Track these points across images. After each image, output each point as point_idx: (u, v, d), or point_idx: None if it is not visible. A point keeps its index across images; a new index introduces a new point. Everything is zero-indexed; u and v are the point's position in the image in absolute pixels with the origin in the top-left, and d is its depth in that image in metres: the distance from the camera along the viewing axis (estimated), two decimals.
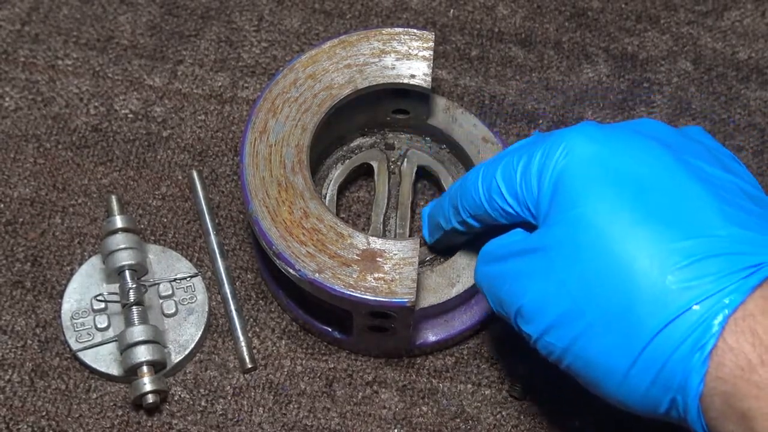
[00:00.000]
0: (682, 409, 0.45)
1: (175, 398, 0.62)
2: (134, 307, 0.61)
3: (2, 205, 0.67)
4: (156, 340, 0.60)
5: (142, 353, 0.60)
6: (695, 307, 0.44)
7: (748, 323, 0.43)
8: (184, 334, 0.63)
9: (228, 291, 0.64)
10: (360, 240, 0.57)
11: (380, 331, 0.60)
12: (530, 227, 0.51)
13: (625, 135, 0.49)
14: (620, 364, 0.46)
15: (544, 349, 0.49)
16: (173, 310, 0.63)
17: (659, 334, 0.44)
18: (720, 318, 0.43)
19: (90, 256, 0.65)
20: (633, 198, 0.46)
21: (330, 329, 0.62)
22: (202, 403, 0.62)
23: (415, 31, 0.63)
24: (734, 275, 0.44)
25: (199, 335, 0.63)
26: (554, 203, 0.48)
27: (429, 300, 0.60)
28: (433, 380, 0.63)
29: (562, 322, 0.48)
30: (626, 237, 0.45)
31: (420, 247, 0.57)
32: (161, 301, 0.63)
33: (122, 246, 0.62)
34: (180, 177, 0.69)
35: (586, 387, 0.49)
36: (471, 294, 0.62)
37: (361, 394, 0.62)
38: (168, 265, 0.65)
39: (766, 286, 0.44)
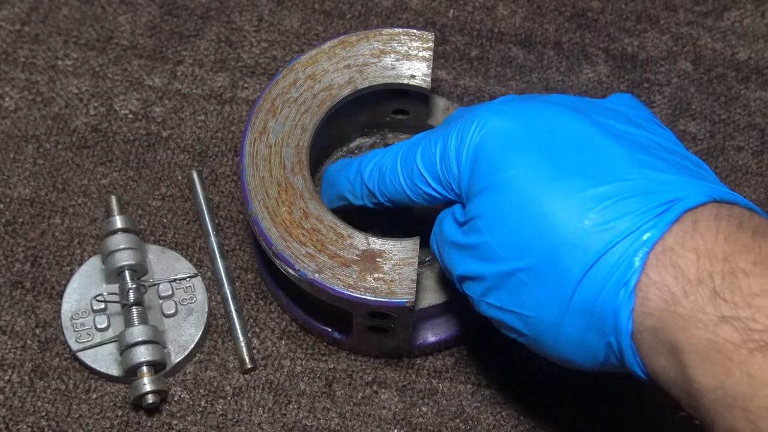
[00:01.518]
0: (617, 351, 0.46)
1: (175, 398, 0.62)
2: (134, 307, 0.61)
3: (2, 205, 0.67)
4: (156, 341, 0.60)
5: (142, 353, 0.60)
6: (615, 248, 0.45)
7: (669, 257, 0.44)
8: (184, 335, 0.63)
9: (228, 291, 0.64)
10: (360, 240, 0.57)
11: (380, 332, 0.60)
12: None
13: (534, 104, 0.51)
14: (553, 315, 0.47)
15: (486, 311, 0.51)
16: (173, 311, 0.63)
17: (584, 278, 0.46)
18: (641, 254, 0.44)
19: (90, 257, 0.65)
20: (546, 159, 0.48)
21: (330, 329, 0.62)
22: (202, 404, 0.62)
23: (414, 31, 0.63)
24: (650, 212, 0.45)
25: (199, 335, 0.63)
26: (473, 178, 0.51)
27: (429, 300, 0.60)
28: (433, 380, 0.63)
29: (497, 284, 0.49)
30: (543, 193, 0.47)
31: (420, 248, 0.57)
32: (161, 301, 0.63)
33: (122, 246, 0.62)
34: (180, 177, 0.69)
35: (532, 349, 0.51)
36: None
37: (360, 394, 0.62)
38: (168, 266, 0.65)
39: (684, 220, 0.45)
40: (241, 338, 0.63)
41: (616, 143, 0.48)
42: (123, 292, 0.62)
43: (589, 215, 0.46)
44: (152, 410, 0.61)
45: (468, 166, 0.51)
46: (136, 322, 0.61)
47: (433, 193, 0.54)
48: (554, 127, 0.49)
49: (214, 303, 0.65)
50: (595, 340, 0.47)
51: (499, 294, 0.50)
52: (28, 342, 0.63)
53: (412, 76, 0.62)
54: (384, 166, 0.56)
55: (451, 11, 0.75)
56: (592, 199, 0.46)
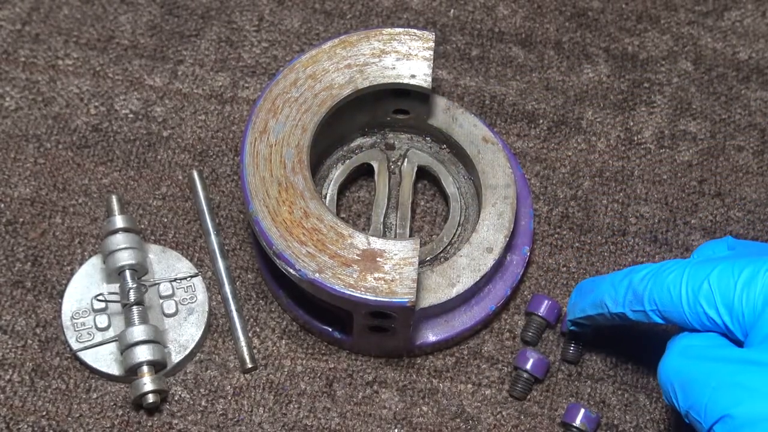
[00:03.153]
0: None
1: (176, 398, 0.62)
2: (134, 307, 0.61)
3: (2, 205, 0.67)
4: (156, 340, 0.60)
5: (143, 353, 0.60)
6: None
7: None
8: (185, 334, 0.63)
9: (228, 291, 0.64)
10: (360, 240, 0.57)
11: (380, 331, 0.60)
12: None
13: None
14: None
15: None
16: (173, 310, 0.63)
17: None
18: None
19: (90, 256, 0.65)
20: None
21: (330, 329, 0.62)
22: (203, 403, 0.62)
23: (415, 31, 0.63)
24: None
25: (200, 335, 0.63)
26: None
27: (429, 300, 0.60)
28: (433, 380, 0.63)
29: None
30: None
31: (420, 246, 0.57)
32: (161, 301, 0.63)
33: (122, 246, 0.62)
34: (180, 177, 0.69)
35: None
36: (471, 294, 0.62)
37: (361, 394, 0.62)
38: (168, 265, 0.65)
39: None
40: (242, 338, 0.63)
41: None
42: (123, 291, 0.62)
43: None
44: (153, 410, 0.61)
45: None
46: (136, 321, 0.61)
47: (717, 319, 0.49)
48: None
49: (214, 302, 0.65)
50: None
51: None
52: (29, 341, 0.63)
53: (413, 76, 0.62)
54: (663, 273, 0.52)
55: (452, 11, 0.75)
56: None
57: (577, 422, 0.60)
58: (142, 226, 0.67)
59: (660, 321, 0.53)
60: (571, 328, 0.61)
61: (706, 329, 0.50)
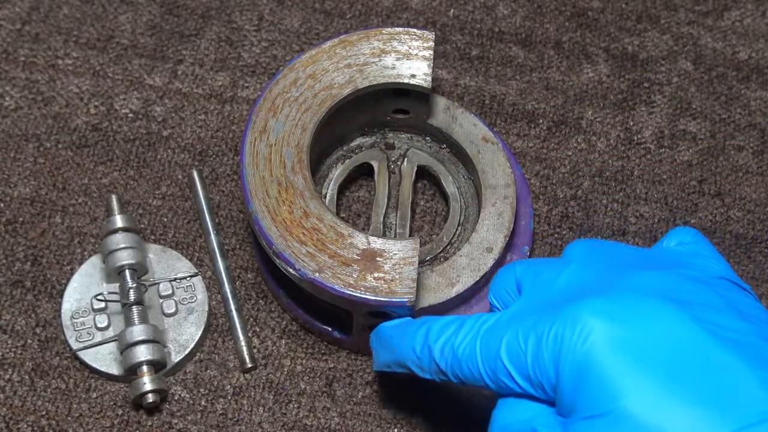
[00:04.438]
0: None
1: (175, 398, 0.62)
2: (134, 306, 0.61)
3: (2, 205, 0.67)
4: (156, 340, 0.60)
5: (142, 353, 0.60)
6: None
7: None
8: (184, 334, 0.63)
9: (228, 290, 0.64)
10: (360, 239, 0.57)
11: None
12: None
13: (639, 304, 0.46)
14: None
15: None
16: (173, 310, 0.63)
17: None
18: None
19: (90, 256, 0.65)
20: (671, 383, 0.43)
21: (330, 329, 0.62)
22: (202, 403, 0.62)
23: (415, 30, 0.63)
24: None
25: (199, 335, 0.63)
26: (582, 395, 0.45)
27: (429, 300, 0.60)
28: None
29: None
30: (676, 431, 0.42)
31: (420, 246, 0.57)
32: (161, 300, 0.63)
33: (122, 245, 0.62)
34: (180, 176, 0.69)
35: None
36: (471, 294, 0.62)
37: (361, 393, 0.62)
38: (168, 265, 0.65)
39: None
40: (242, 337, 0.63)
41: (740, 359, 0.43)
42: (123, 291, 0.62)
43: None
44: (152, 409, 0.61)
45: (571, 378, 0.45)
46: (136, 321, 0.61)
47: (518, 390, 0.48)
48: (666, 335, 0.44)
49: (214, 302, 0.65)
50: None
51: None
52: (29, 341, 0.63)
53: (413, 76, 0.62)
54: (459, 348, 0.50)
55: (452, 11, 0.75)
56: None
57: None
58: (142, 226, 0.67)
59: (463, 385, 0.51)
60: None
61: (522, 394, 0.48)
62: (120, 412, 0.61)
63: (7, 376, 0.62)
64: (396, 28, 0.63)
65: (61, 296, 0.64)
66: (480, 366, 0.49)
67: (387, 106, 0.65)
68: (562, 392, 0.45)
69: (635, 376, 0.43)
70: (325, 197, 0.65)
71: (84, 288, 0.64)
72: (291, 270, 0.57)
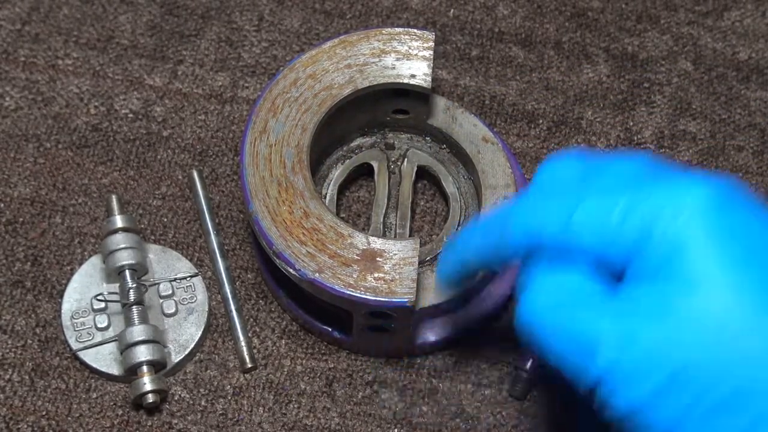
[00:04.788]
0: None
1: (175, 398, 0.62)
2: (134, 306, 0.61)
3: (2, 205, 0.67)
4: (156, 340, 0.60)
5: (142, 353, 0.60)
6: None
7: None
8: (184, 334, 0.63)
9: (228, 291, 0.64)
10: (360, 240, 0.57)
11: (380, 331, 0.60)
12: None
13: (738, 196, 0.43)
14: None
15: (626, 407, 0.41)
16: (173, 310, 0.63)
17: None
18: None
19: (90, 256, 0.65)
20: (759, 285, 0.40)
21: (330, 329, 0.62)
22: (202, 403, 0.62)
23: (415, 31, 0.63)
24: None
25: (199, 335, 0.63)
26: (663, 272, 0.42)
27: (429, 300, 0.60)
28: (433, 380, 0.63)
29: (671, 387, 0.40)
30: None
31: (420, 246, 0.57)
32: (161, 300, 0.63)
33: (122, 246, 0.62)
34: (180, 177, 0.69)
35: None
36: (471, 294, 0.62)
37: (361, 393, 0.62)
38: (168, 265, 0.65)
39: None
40: (242, 338, 0.63)
41: None
42: (123, 291, 0.62)
43: None
44: (152, 410, 0.61)
45: (656, 253, 0.41)
46: (136, 321, 0.61)
47: (590, 246, 0.43)
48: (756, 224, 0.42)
49: (214, 302, 0.65)
50: None
51: (670, 400, 0.40)
52: (29, 341, 0.63)
53: (413, 76, 0.62)
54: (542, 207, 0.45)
55: (452, 11, 0.75)
56: None
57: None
58: (142, 226, 0.67)
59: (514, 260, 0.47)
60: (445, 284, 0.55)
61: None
62: (120, 412, 0.61)
63: (7, 377, 0.62)
64: (396, 29, 0.63)
65: (61, 296, 0.64)
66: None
67: (387, 107, 0.65)
68: (639, 266, 0.42)
69: (723, 269, 0.40)
70: (325, 197, 0.65)
71: (84, 288, 0.64)
72: (291, 270, 0.57)
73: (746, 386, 0.39)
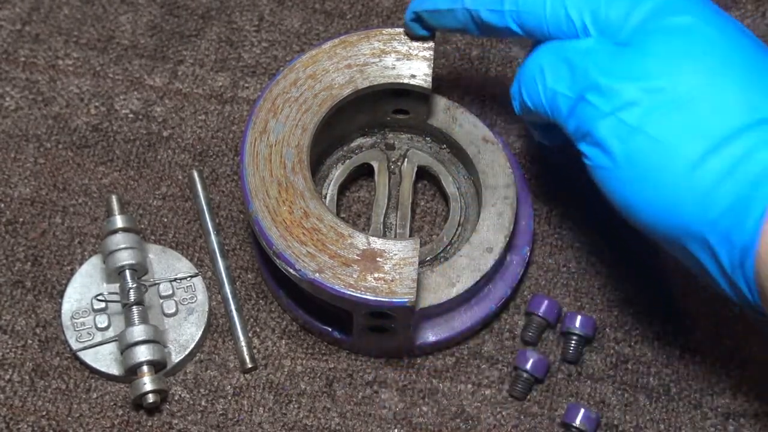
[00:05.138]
0: (744, 209, 0.45)
1: (176, 398, 0.62)
2: (134, 306, 0.61)
3: (2, 205, 0.67)
4: (156, 340, 0.60)
5: (143, 353, 0.60)
6: None
7: None
8: (185, 334, 0.63)
9: (228, 291, 0.64)
10: (360, 240, 0.57)
11: (380, 331, 0.60)
12: None
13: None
14: (697, 151, 0.46)
15: (612, 129, 0.49)
16: (173, 310, 0.63)
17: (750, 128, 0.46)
18: None
19: (90, 256, 0.65)
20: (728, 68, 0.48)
21: (330, 329, 0.62)
22: (203, 403, 0.62)
23: None
24: None
25: (200, 335, 0.63)
26: (650, 44, 0.49)
27: (429, 300, 0.60)
28: (433, 380, 0.63)
29: (646, 97, 0.48)
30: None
31: (420, 246, 0.57)
32: (161, 300, 0.63)
33: (122, 246, 0.62)
34: (180, 177, 0.69)
35: (627, 188, 0.49)
36: (471, 294, 0.62)
37: (361, 394, 0.62)
38: (168, 265, 0.65)
39: None
40: (242, 338, 0.63)
41: None
42: (123, 291, 0.62)
43: None
44: (153, 410, 0.61)
45: (653, 33, 0.49)
46: (136, 321, 0.61)
47: (577, 23, 0.51)
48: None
49: (214, 302, 0.65)
50: (728, 192, 0.46)
51: (644, 113, 0.48)
52: (29, 341, 0.63)
53: (413, 76, 0.62)
54: None
55: None
56: None
57: (577, 422, 0.60)
58: (142, 226, 0.67)
59: (515, 29, 0.54)
60: (412, 23, 0.60)
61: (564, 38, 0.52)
62: (120, 412, 0.61)
63: (8, 377, 0.62)
64: (396, 29, 0.63)
65: (62, 296, 0.64)
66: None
67: (387, 107, 0.65)
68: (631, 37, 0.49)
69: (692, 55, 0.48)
70: (326, 197, 0.65)
71: (84, 288, 0.64)
72: (291, 270, 0.57)
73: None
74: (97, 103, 0.71)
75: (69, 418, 0.61)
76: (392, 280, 0.56)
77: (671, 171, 0.47)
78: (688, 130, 0.47)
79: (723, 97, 0.47)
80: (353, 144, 0.67)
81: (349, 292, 0.56)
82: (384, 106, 0.65)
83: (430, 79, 0.62)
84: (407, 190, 0.65)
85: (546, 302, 0.63)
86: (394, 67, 0.62)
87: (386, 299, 0.55)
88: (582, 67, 0.50)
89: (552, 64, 0.52)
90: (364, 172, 0.68)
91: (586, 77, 0.50)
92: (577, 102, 0.50)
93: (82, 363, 0.62)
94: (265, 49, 0.73)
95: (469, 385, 0.63)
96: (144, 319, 0.61)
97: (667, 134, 0.47)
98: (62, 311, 0.63)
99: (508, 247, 0.62)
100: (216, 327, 0.64)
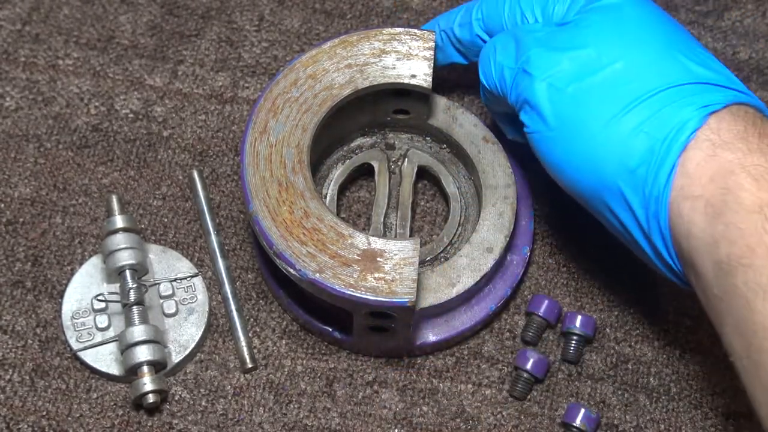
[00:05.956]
0: (657, 162, 0.51)
1: (176, 398, 0.62)
2: (135, 306, 0.61)
3: (3, 205, 0.67)
4: (156, 340, 0.60)
5: (143, 353, 0.60)
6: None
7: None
8: (185, 334, 0.63)
9: (228, 291, 0.64)
10: (360, 240, 0.57)
11: (380, 331, 0.60)
12: None
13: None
14: (613, 108, 0.52)
15: (544, 92, 0.54)
16: (174, 310, 0.63)
17: (665, 91, 0.52)
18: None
19: (90, 256, 0.65)
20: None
21: (330, 329, 0.62)
22: (203, 403, 0.62)
23: (415, 31, 0.63)
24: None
25: (200, 335, 0.63)
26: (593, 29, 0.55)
27: (429, 300, 0.60)
28: (433, 380, 0.63)
29: (574, 64, 0.54)
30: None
31: (420, 246, 0.57)
32: (162, 300, 0.63)
33: (123, 246, 0.62)
34: (180, 177, 0.69)
35: (555, 144, 0.55)
36: (471, 294, 0.62)
37: (361, 394, 0.62)
38: (168, 265, 0.65)
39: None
40: (242, 338, 0.63)
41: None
42: (124, 291, 0.62)
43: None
44: (153, 410, 0.61)
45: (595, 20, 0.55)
46: (136, 321, 0.61)
47: (528, 17, 0.59)
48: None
49: (214, 302, 0.65)
50: (640, 146, 0.51)
51: (571, 78, 0.53)
52: (29, 341, 0.63)
53: (413, 76, 0.62)
54: None
55: None
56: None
57: (577, 422, 0.60)
58: (142, 226, 0.67)
59: (484, 36, 0.62)
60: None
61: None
62: (120, 412, 0.61)
63: (8, 377, 0.62)
64: (396, 29, 0.63)
65: (62, 296, 0.64)
66: None
67: (387, 107, 0.65)
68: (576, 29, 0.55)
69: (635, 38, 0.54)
70: (326, 197, 0.65)
71: (84, 288, 0.64)
72: (291, 270, 0.57)
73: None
74: (97, 103, 0.71)
75: (69, 418, 0.61)
76: (392, 280, 0.56)
77: (591, 128, 0.53)
78: (607, 91, 0.53)
79: (640, 64, 0.53)
80: (353, 144, 0.67)
81: (349, 292, 0.56)
82: (384, 106, 0.65)
83: (430, 78, 0.62)
84: (407, 190, 0.65)
85: (546, 302, 0.63)
86: (394, 67, 0.62)
87: (386, 299, 0.55)
88: (525, 42, 0.56)
89: (503, 42, 0.58)
90: (364, 172, 0.68)
91: (527, 50, 0.56)
92: (518, 72, 0.56)
93: (83, 363, 0.62)
94: (265, 49, 0.73)
95: (470, 385, 0.63)
96: (144, 319, 0.61)
97: (588, 96, 0.53)
98: (62, 311, 0.63)
99: (508, 246, 0.62)
100: (216, 327, 0.64)
